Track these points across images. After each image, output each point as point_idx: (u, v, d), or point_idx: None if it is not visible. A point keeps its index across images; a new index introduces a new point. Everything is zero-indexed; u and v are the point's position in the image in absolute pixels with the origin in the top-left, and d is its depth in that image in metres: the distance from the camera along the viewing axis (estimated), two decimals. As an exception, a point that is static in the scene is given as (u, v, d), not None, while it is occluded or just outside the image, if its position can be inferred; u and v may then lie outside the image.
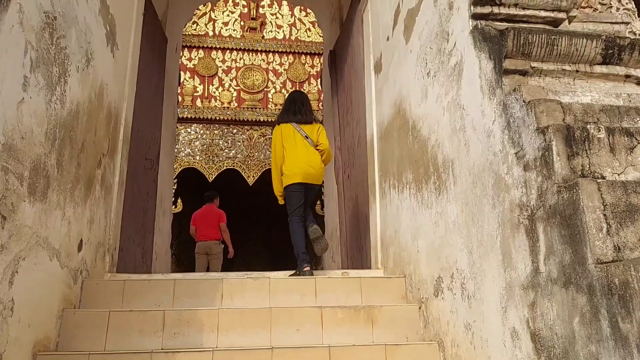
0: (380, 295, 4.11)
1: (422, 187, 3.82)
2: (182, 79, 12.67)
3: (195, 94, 12.63)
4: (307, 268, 4.77)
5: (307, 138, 5.14)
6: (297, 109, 5.31)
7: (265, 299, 3.95)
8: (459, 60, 3.23)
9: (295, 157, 5.08)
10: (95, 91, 4.25)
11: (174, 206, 11.77)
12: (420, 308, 3.79)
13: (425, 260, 3.72)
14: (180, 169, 12.09)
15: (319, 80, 13.02)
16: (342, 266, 6.24)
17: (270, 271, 4.73)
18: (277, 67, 13.07)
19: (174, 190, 11.92)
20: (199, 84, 12.70)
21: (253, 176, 12.20)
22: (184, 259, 13.99)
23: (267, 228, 20.55)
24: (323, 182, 5.98)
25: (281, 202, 5.35)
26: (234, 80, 12.85)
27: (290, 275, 4.68)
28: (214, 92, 12.70)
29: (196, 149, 12.26)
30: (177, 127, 12.33)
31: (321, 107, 12.77)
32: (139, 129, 5.64)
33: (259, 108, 12.62)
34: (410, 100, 4.13)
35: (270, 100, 12.79)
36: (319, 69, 13.11)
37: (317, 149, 5.17)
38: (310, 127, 5.24)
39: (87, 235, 4.07)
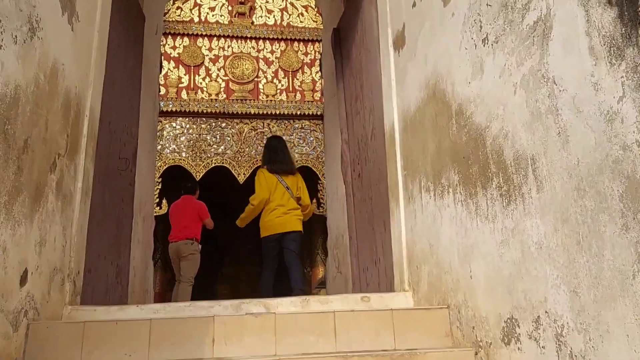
0: (417, 332, 3.15)
1: (476, 192, 2.87)
2: (165, 69, 11.63)
3: (180, 85, 11.58)
4: None
5: (288, 189, 5.45)
6: (280, 158, 5.57)
7: (269, 343, 2.97)
8: (542, 14, 2.26)
9: (275, 209, 5.42)
10: (45, 72, 3.25)
11: (158, 207, 10.76)
12: (477, 354, 2.83)
13: (486, 291, 2.76)
14: (165, 167, 11.07)
15: (312, 69, 12.03)
16: (353, 281, 5.30)
17: (274, 297, 3.77)
18: (268, 55, 12.05)
19: (158, 191, 10.92)
20: (184, 74, 11.66)
21: (244, 173, 11.20)
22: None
23: (254, 221, 19.56)
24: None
25: (241, 223, 5.87)
26: (221, 70, 11.82)
27: None
28: (201, 83, 11.67)
29: (182, 145, 11.24)
30: (160, 121, 11.31)
31: (317, 99, 11.80)
32: (110, 122, 4.64)
33: (249, 100, 11.61)
34: (454, 78, 3.18)
35: (262, 91, 11.78)
36: (313, 57, 12.11)
37: (299, 204, 5.54)
38: (292, 179, 5.58)
39: (35, 261, 3.08)
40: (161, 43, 11.64)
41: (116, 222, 4.86)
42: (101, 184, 4.39)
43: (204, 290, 21.21)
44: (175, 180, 13.09)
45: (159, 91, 6.58)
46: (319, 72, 11.99)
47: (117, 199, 4.90)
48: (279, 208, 5.40)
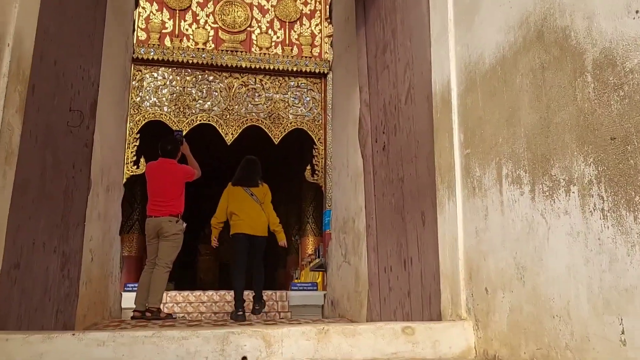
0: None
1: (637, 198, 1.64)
2: (147, 12, 10.13)
3: (163, 30, 10.10)
4: (241, 313, 5.52)
5: (253, 195, 5.80)
6: (243, 174, 6.00)
7: None
8: None
9: (243, 211, 5.73)
10: None
11: (135, 167, 9.42)
12: None
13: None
14: (144, 122, 9.68)
15: (312, 21, 10.59)
16: (370, 281, 4.06)
17: (278, 325, 2.53)
18: (264, 2, 10.56)
19: (135, 148, 9.57)
20: (169, 19, 10.17)
21: (232, 133, 9.85)
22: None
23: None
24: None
25: (214, 233, 6.08)
26: (210, 16, 10.33)
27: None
28: (187, 30, 10.19)
29: (164, 98, 9.82)
30: (139, 70, 9.87)
31: (315, 54, 10.40)
32: (55, 60, 3.29)
33: (241, 51, 10.17)
34: (592, 9, 1.90)
35: (254, 42, 10.34)
36: (313, 7, 10.65)
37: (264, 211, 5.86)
38: (258, 190, 5.90)
39: None
40: (143, -19, 10.13)
41: (63, 196, 3.56)
42: (40, 147, 3.07)
43: (188, 249, 20.08)
44: (155, 139, 11.73)
45: (134, 31, 5.17)
46: (319, 25, 10.56)
47: (66, 165, 3.59)
48: (246, 216, 5.73)
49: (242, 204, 5.74)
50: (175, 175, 5.48)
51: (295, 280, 10.82)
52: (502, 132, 2.46)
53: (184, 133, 9.62)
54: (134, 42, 9.81)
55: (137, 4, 5.78)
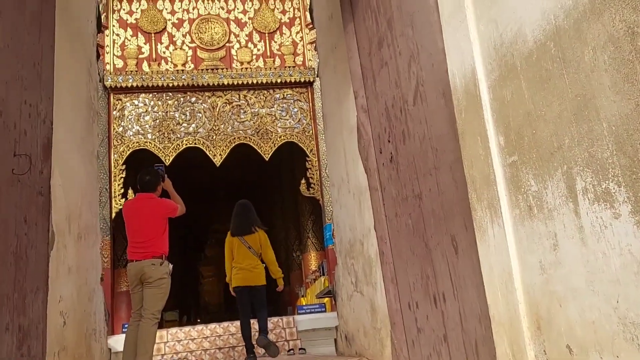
0: None
1: None
2: (122, 38, 9.36)
3: (140, 56, 9.31)
4: (252, 356, 5.64)
5: (250, 248, 5.77)
6: (238, 222, 6.10)
7: None
8: None
9: (240, 263, 5.78)
10: None
11: (124, 199, 8.62)
12: None
13: None
14: (129, 152, 8.89)
15: (292, 29, 9.84)
16: (393, 320, 3.28)
17: None
18: (240, 15, 9.79)
19: (122, 180, 8.77)
20: (144, 43, 9.39)
21: (220, 154, 9.05)
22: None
23: (236, 201, 17.45)
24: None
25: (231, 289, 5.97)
26: (187, 36, 9.55)
27: None
28: (164, 53, 9.42)
29: (147, 126, 9.01)
30: (119, 99, 9.09)
31: (299, 63, 9.64)
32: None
33: (221, 68, 9.40)
34: None
35: (235, 57, 9.57)
36: (292, 15, 9.89)
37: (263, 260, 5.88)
38: (254, 238, 5.86)
39: None
40: (114, 8, 9.39)
41: (14, 258, 2.79)
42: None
43: (189, 272, 19.21)
44: (141, 164, 10.94)
45: (99, 57, 4.38)
46: (300, 32, 9.82)
47: (14, 221, 2.82)
48: (243, 269, 5.75)
49: (239, 256, 5.85)
50: (154, 210, 4.61)
51: (302, 300, 10.04)
52: (568, 130, 1.72)
53: (169, 161, 8.87)
54: (111, 70, 9.06)
55: (100, 28, 5.02)
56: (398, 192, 3.22)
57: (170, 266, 4.70)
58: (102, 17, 9.02)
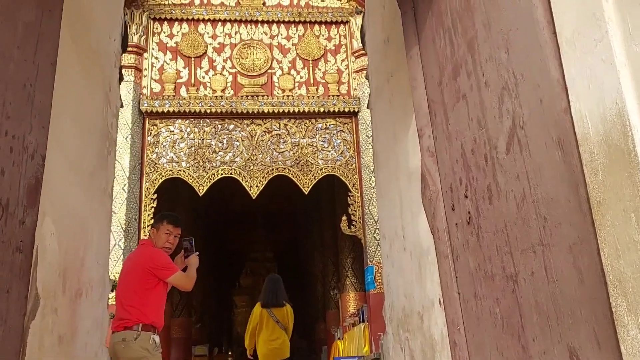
0: None
1: None
2: (161, 62, 8.84)
3: (178, 80, 8.77)
4: None
5: (278, 322, 5.97)
6: (273, 296, 6.09)
7: None
8: None
9: (267, 337, 5.92)
10: None
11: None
12: None
13: None
14: (161, 180, 8.28)
15: (337, 57, 9.15)
16: None
17: None
18: (284, 41, 9.17)
19: (153, 210, 8.14)
20: (184, 68, 8.85)
21: (257, 185, 8.35)
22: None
23: (273, 229, 16.77)
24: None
25: (248, 352, 6.16)
26: (228, 61, 8.97)
27: None
28: (203, 78, 8.85)
29: (182, 153, 8.41)
30: (154, 125, 8.51)
31: (343, 92, 8.91)
32: None
33: (262, 95, 8.76)
34: None
35: (276, 85, 8.93)
36: (337, 42, 9.22)
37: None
38: (282, 312, 6.03)
39: None
40: (155, 30, 8.89)
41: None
42: None
43: (223, 302, 18.51)
44: (174, 194, 10.35)
45: (121, 79, 3.76)
46: (346, 60, 9.11)
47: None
48: (273, 342, 5.87)
49: (267, 329, 5.94)
50: (138, 261, 3.36)
51: (338, 343, 9.15)
52: None
53: (203, 191, 8.21)
54: (148, 94, 8.52)
55: (125, 47, 4.38)
56: (479, 266, 2.39)
57: (157, 340, 3.33)
58: (136, 37, 8.52)
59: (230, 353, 13.46)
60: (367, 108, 4.68)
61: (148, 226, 7.88)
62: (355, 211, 8.38)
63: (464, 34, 2.53)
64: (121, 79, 4.20)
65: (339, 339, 9.56)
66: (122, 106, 4.15)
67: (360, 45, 8.72)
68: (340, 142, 8.64)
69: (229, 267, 17.20)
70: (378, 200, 4.30)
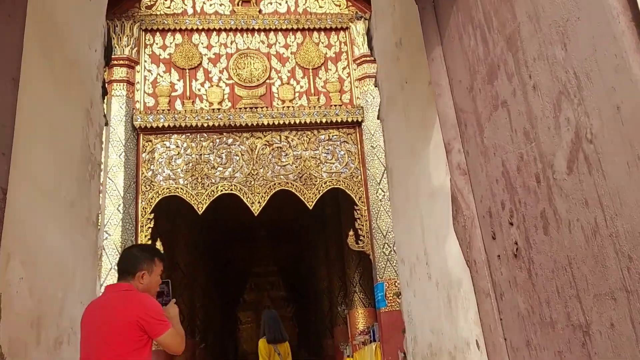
0: None
1: None
2: (154, 75, 8.43)
3: (173, 93, 8.35)
4: None
5: (280, 354, 6.10)
6: (276, 331, 6.21)
7: None
8: None
9: None
10: None
11: (150, 253, 7.52)
12: None
13: None
14: (158, 199, 7.84)
15: (338, 65, 8.74)
16: None
17: None
18: (282, 50, 8.75)
19: (149, 230, 7.70)
20: (178, 80, 8.43)
21: (259, 202, 7.91)
22: None
23: (277, 243, 16.28)
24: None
25: None
26: (224, 72, 8.56)
27: None
28: (199, 90, 8.43)
29: (179, 170, 7.98)
30: (149, 141, 8.09)
31: (346, 101, 8.50)
32: None
33: (261, 107, 8.34)
34: None
35: (276, 95, 8.51)
36: (338, 49, 8.81)
37: None
38: (284, 346, 6.19)
39: None
40: (147, 42, 8.49)
41: None
42: None
43: (228, 317, 17.98)
44: (170, 211, 9.90)
45: (104, 94, 3.34)
46: (347, 67, 8.70)
47: None
48: None
49: None
50: (125, 311, 2.35)
51: (348, 361, 8.68)
52: None
53: (202, 209, 7.78)
54: (142, 109, 8.10)
55: (108, 60, 3.96)
56: (532, 309, 1.95)
57: None
58: (127, 49, 8.12)
59: (235, 372, 12.97)
60: (378, 119, 4.26)
61: (145, 248, 7.44)
62: (363, 225, 7.94)
63: (501, 28, 2.10)
64: (105, 93, 3.78)
65: (348, 356, 9.11)
66: (107, 124, 3.73)
67: (362, 52, 8.34)
68: (344, 154, 8.22)
69: (233, 282, 16.73)
70: (394, 221, 3.85)
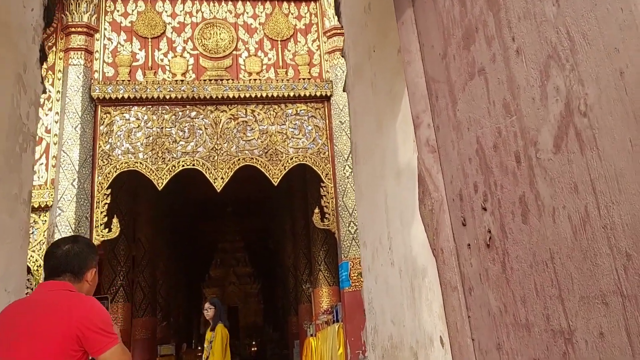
0: None
1: None
2: (114, 43, 7.93)
3: (134, 63, 7.88)
4: None
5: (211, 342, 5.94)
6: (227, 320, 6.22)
7: None
8: None
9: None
10: None
11: (107, 230, 7.12)
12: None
13: None
14: (115, 173, 7.41)
15: (308, 37, 8.36)
16: None
17: None
18: (250, 20, 8.32)
19: (106, 207, 7.29)
20: (140, 49, 7.95)
21: (222, 177, 7.55)
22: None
23: (243, 217, 15.94)
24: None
25: None
26: (189, 42, 8.10)
27: None
28: (162, 60, 7.97)
29: (138, 143, 7.55)
30: (107, 112, 7.63)
31: (315, 75, 8.15)
32: None
33: (227, 79, 7.93)
34: None
35: (242, 67, 8.10)
36: (308, 21, 8.42)
37: None
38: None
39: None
40: (107, 9, 7.96)
41: None
42: None
43: (194, 293, 17.66)
44: (132, 189, 9.46)
45: (44, 59, 2.98)
46: (317, 40, 8.33)
47: None
48: None
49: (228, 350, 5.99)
50: (54, 318, 1.81)
51: (311, 340, 8.48)
52: None
53: (162, 185, 7.39)
54: (100, 78, 7.62)
55: (49, 21, 3.53)
56: (505, 307, 1.69)
57: None
58: (86, 16, 7.59)
59: (199, 348, 12.70)
60: (343, 91, 3.96)
61: (101, 225, 7.04)
62: (329, 203, 7.67)
63: (480, -15, 1.80)
64: (44, 57, 3.37)
65: (311, 335, 8.91)
66: (44, 91, 3.32)
67: (333, 24, 7.97)
68: (311, 129, 7.89)
69: (199, 258, 16.37)
70: (357, 201, 3.59)
